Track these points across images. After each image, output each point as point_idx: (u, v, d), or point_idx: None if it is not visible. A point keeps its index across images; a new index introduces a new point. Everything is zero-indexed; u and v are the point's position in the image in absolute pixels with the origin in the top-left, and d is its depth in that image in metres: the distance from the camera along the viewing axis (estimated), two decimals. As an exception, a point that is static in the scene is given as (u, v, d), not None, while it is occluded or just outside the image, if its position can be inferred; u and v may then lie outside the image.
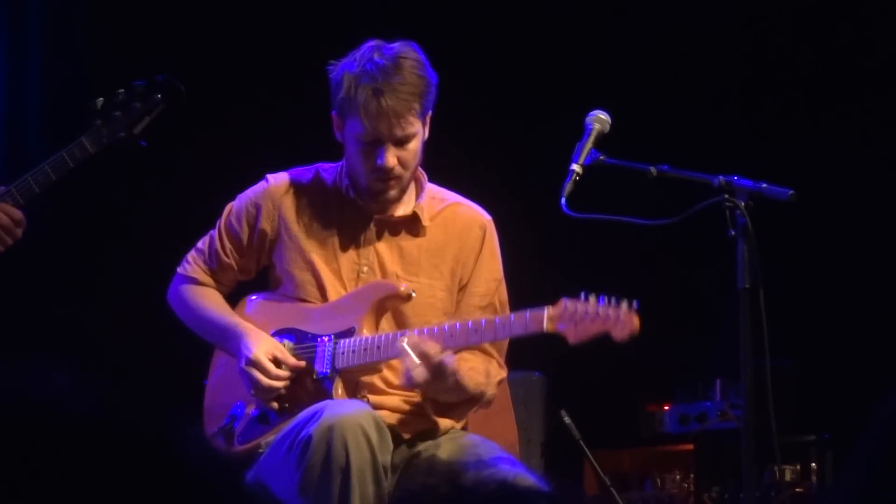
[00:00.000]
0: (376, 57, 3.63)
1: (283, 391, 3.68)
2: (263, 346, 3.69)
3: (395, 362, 3.70)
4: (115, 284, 5.68)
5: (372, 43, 3.69)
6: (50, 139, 3.97)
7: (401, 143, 3.66)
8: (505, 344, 3.85)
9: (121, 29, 5.68)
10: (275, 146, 5.38)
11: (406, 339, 3.56)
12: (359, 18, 5.64)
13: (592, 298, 3.47)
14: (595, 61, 6.08)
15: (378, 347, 3.64)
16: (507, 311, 3.83)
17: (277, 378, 3.66)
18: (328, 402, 3.57)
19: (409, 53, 3.66)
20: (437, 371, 3.53)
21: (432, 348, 3.53)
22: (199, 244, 3.94)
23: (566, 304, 3.49)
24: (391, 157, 3.65)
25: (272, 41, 5.85)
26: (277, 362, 3.68)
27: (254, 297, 3.89)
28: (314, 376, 3.68)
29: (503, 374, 3.82)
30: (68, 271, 5.65)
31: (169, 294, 3.96)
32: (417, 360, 3.52)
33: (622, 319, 3.44)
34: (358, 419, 3.43)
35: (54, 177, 3.83)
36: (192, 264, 3.92)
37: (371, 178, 3.70)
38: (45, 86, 5.62)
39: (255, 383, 3.66)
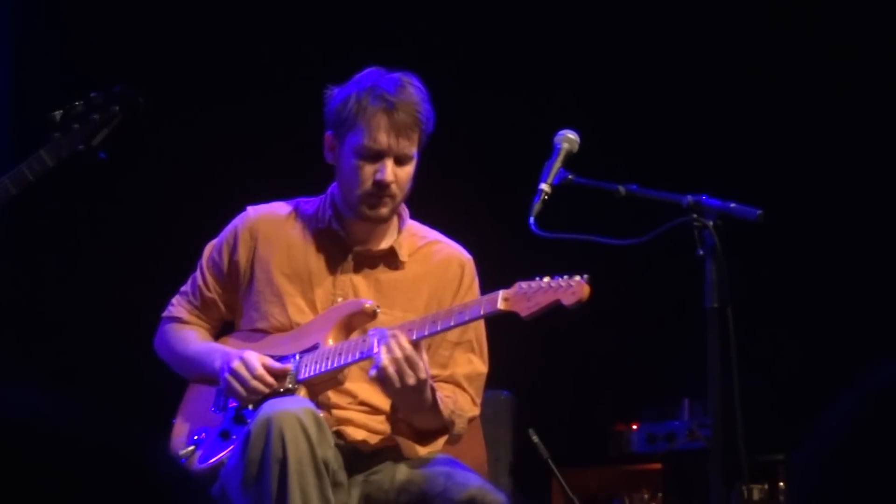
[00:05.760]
0: (383, 78, 3.70)
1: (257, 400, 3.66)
2: (250, 353, 3.70)
3: (357, 378, 3.71)
4: (86, 302, 5.66)
5: (374, 69, 3.75)
6: (18, 153, 3.97)
7: (401, 161, 3.68)
8: (481, 384, 3.83)
9: (95, 48, 5.68)
10: (258, 181, 5.38)
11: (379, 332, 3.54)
12: (338, 50, 5.64)
13: (546, 278, 3.48)
14: (564, 78, 6.10)
15: (339, 353, 3.62)
16: (485, 349, 3.84)
17: (261, 378, 3.65)
18: (269, 399, 3.56)
19: (413, 80, 3.72)
20: (409, 363, 3.49)
21: (403, 340, 3.50)
22: (183, 287, 3.96)
23: (520, 284, 3.50)
24: (390, 172, 3.67)
25: (255, 72, 5.86)
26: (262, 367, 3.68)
27: (227, 338, 3.89)
28: (278, 391, 3.66)
29: (476, 411, 3.79)
30: (40, 287, 5.63)
31: (155, 341, 3.97)
32: (386, 352, 3.49)
33: (573, 286, 3.43)
34: (295, 413, 3.42)
35: (14, 191, 3.83)
36: (176, 305, 3.94)
37: (366, 193, 3.70)
38: (13, 99, 5.61)
39: (241, 381, 3.65)
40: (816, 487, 1.33)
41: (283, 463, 3.38)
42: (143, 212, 5.75)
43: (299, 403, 3.51)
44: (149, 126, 4.17)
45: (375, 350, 3.52)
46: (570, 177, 3.58)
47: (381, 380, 3.52)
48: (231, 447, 3.62)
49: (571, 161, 3.61)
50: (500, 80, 6.12)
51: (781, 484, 5.52)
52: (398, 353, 3.49)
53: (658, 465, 5.80)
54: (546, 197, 3.54)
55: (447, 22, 6.10)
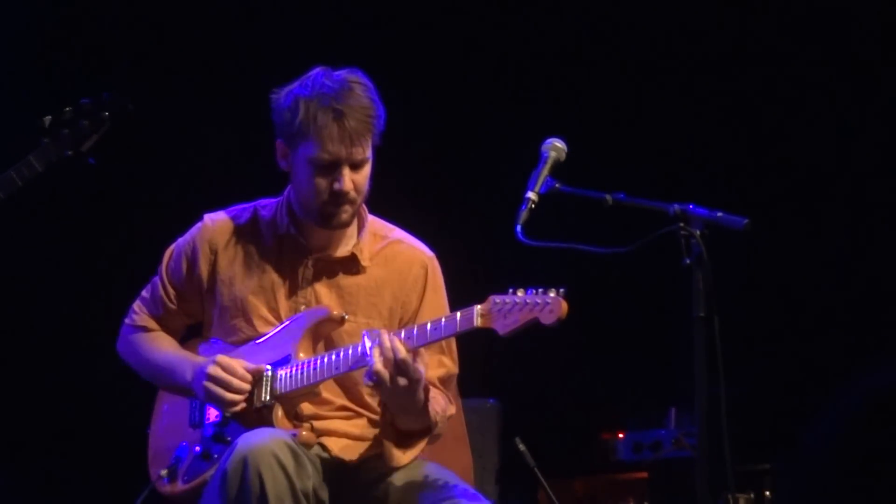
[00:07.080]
0: (328, 81, 3.64)
1: (244, 401, 3.64)
2: (221, 356, 3.68)
3: (331, 384, 3.70)
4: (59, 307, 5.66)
5: (319, 69, 3.70)
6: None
7: (356, 166, 3.66)
8: (454, 384, 3.83)
9: (71, 51, 5.68)
10: (215, 181, 5.37)
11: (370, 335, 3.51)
12: (301, 51, 5.63)
13: (521, 291, 3.45)
14: (549, 87, 6.10)
15: (314, 369, 3.61)
16: (454, 350, 3.82)
17: (243, 377, 3.63)
18: (244, 434, 3.52)
19: (358, 78, 3.68)
20: (400, 369, 3.46)
21: (398, 345, 3.48)
22: (143, 292, 3.93)
23: (494, 299, 3.45)
24: (348, 181, 3.64)
25: (212, 77, 5.85)
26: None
27: (195, 348, 3.87)
28: (254, 406, 3.64)
29: (452, 409, 3.79)
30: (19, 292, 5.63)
31: (118, 346, 3.95)
32: (379, 355, 3.46)
33: (550, 304, 3.38)
34: (270, 447, 3.41)
35: (2, 195, 3.84)
36: (139, 313, 3.91)
37: (325, 203, 3.68)
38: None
39: (222, 383, 3.63)
40: (806, 490, 1.34)
41: (263, 499, 3.37)
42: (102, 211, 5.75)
43: (273, 436, 3.48)
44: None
45: (368, 354, 3.49)
46: (557, 185, 3.58)
47: (377, 384, 3.49)
48: (211, 467, 3.60)
49: (559, 169, 3.61)
50: (485, 84, 6.12)
51: (767, 493, 5.52)
52: (390, 356, 3.46)
53: (644, 474, 5.80)
54: (533, 205, 3.53)
55: (436, 26, 6.10)
